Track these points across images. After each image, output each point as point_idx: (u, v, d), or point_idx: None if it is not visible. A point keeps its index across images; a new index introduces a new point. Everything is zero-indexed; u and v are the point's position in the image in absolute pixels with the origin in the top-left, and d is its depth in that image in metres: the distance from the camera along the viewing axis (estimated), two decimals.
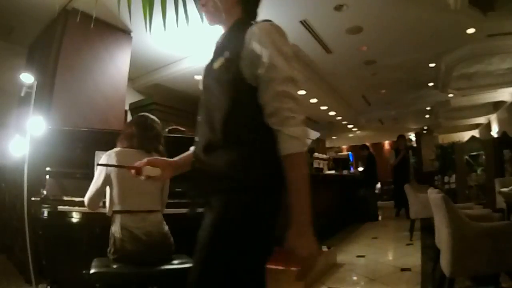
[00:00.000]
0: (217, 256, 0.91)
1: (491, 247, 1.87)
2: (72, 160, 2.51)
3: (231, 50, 0.97)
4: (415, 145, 12.00)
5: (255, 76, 0.93)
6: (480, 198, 6.45)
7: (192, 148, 1.17)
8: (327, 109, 9.37)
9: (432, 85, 7.90)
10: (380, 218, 7.11)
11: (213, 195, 0.97)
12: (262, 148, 0.93)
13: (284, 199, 0.98)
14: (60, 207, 2.23)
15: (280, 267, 2.86)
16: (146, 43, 4.85)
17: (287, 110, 0.91)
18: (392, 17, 4.68)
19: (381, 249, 4.27)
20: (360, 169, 8.70)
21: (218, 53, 1.03)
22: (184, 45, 5.00)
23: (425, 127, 13.11)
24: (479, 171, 7.28)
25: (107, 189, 1.81)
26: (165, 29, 0.83)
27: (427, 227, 4.41)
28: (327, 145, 14.86)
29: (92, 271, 1.68)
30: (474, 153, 7.70)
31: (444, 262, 1.95)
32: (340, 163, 10.00)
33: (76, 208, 2.24)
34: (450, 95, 8.55)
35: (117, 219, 1.76)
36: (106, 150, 1.90)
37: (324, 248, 3.41)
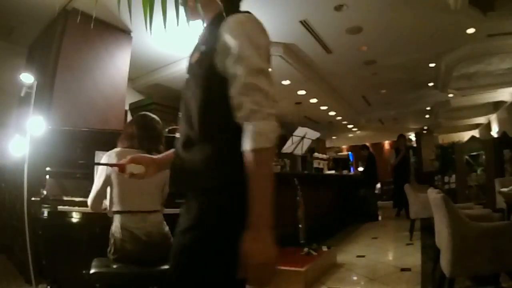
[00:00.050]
0: (191, 262, 0.87)
1: (491, 247, 1.87)
2: (72, 160, 2.51)
3: (207, 44, 0.96)
4: (415, 145, 12.00)
5: (226, 68, 0.90)
6: (480, 198, 6.45)
7: None
8: (327, 109, 9.38)
9: (432, 85, 7.90)
10: (380, 218, 7.11)
11: (189, 193, 0.95)
12: (237, 145, 0.86)
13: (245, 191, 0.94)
14: (60, 207, 2.23)
15: (280, 267, 2.87)
16: (146, 43, 4.85)
17: (253, 103, 0.84)
18: (392, 17, 4.68)
19: (381, 249, 4.27)
20: (360, 169, 8.71)
21: (196, 47, 1.02)
22: (184, 45, 5.00)
23: (425, 127, 13.11)
24: (479, 171, 7.28)
25: (108, 189, 1.81)
26: (165, 29, 0.83)
27: (427, 227, 4.42)
28: (327, 145, 14.88)
29: (92, 271, 1.68)
30: (474, 153, 7.70)
31: (444, 262, 1.95)
32: (340, 163, 10.01)
33: (76, 208, 2.25)
34: (450, 95, 8.55)
35: (117, 219, 1.76)
36: (106, 150, 1.90)
37: (324, 248, 3.41)
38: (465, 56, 6.04)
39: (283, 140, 4.60)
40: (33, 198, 2.35)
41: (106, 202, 1.85)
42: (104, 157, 1.85)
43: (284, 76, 6.56)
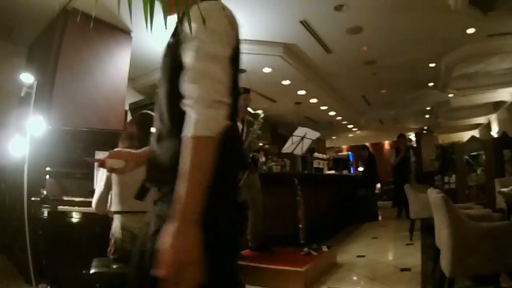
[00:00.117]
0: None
1: (491, 247, 1.87)
2: (72, 160, 2.51)
3: (173, 35, 0.95)
4: (415, 145, 12.01)
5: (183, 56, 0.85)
6: (480, 198, 6.45)
7: None
8: (327, 109, 9.38)
9: (432, 85, 7.91)
10: (380, 218, 7.11)
11: (160, 187, 0.92)
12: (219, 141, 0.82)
13: (234, 197, 0.92)
14: (60, 207, 2.24)
15: (280, 267, 2.87)
16: (146, 43, 4.85)
17: (199, 89, 0.80)
18: (392, 17, 4.68)
19: (381, 249, 4.27)
20: (360, 169, 8.71)
21: (168, 41, 1.01)
22: None
23: (425, 127, 13.12)
24: (479, 171, 7.28)
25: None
26: (166, 29, 0.82)
27: (427, 227, 4.41)
28: (327, 145, 14.89)
29: (92, 271, 1.68)
30: (474, 153, 7.70)
31: (444, 262, 1.95)
32: (340, 163, 10.02)
33: (76, 208, 2.25)
34: (450, 95, 8.55)
35: (118, 219, 1.76)
36: (106, 150, 1.88)
37: (324, 248, 3.41)
38: (465, 56, 6.04)
39: (283, 140, 4.60)
40: (33, 198, 2.35)
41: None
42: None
43: (284, 76, 6.57)
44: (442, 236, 2.01)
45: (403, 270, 3.12)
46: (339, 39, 5.30)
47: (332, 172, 7.78)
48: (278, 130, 10.77)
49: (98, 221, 2.05)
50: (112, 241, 1.74)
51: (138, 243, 0.95)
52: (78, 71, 4.00)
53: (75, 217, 2.26)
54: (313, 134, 3.97)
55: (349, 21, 4.79)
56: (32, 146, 2.58)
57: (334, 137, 14.42)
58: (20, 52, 4.86)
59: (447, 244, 1.90)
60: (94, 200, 1.85)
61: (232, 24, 0.90)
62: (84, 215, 2.22)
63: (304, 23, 4.79)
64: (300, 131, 3.90)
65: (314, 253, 3.23)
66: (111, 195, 1.80)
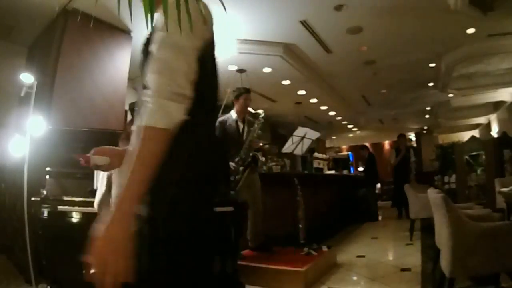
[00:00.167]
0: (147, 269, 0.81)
1: (491, 247, 1.87)
2: (72, 160, 2.51)
3: (149, 32, 0.93)
4: (415, 145, 12.01)
5: None
6: (480, 198, 6.45)
7: None
8: (327, 109, 9.38)
9: (432, 85, 7.91)
10: (380, 218, 7.11)
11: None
12: (185, 137, 0.81)
13: (211, 193, 0.91)
14: (60, 207, 2.23)
15: (280, 267, 2.87)
16: None
17: (157, 79, 0.78)
18: (392, 17, 4.68)
19: (381, 249, 4.27)
20: (360, 169, 8.71)
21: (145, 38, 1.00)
22: None
23: (425, 127, 13.12)
24: (479, 171, 7.28)
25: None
26: (167, 29, 0.82)
27: (427, 227, 4.41)
28: (327, 145, 14.89)
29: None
30: (474, 153, 7.69)
31: (444, 262, 1.95)
32: (340, 163, 10.04)
33: (76, 208, 2.25)
34: (450, 95, 8.55)
35: None
36: None
37: (324, 248, 3.41)
38: (465, 56, 6.04)
39: (283, 140, 4.60)
40: (33, 198, 2.35)
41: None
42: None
43: (284, 76, 6.57)
44: (442, 236, 2.01)
45: (403, 270, 3.12)
46: (339, 39, 5.30)
47: (332, 172, 7.79)
48: (278, 130, 10.77)
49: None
50: None
51: None
52: (78, 71, 4.00)
53: (75, 217, 2.26)
54: (313, 134, 3.97)
55: (349, 21, 4.79)
56: (32, 146, 2.58)
57: (334, 137, 14.43)
58: (20, 52, 4.86)
59: (447, 244, 1.90)
60: (96, 200, 1.85)
61: (204, 16, 0.87)
62: (84, 215, 2.22)
63: (304, 23, 4.79)
64: (300, 131, 3.90)
65: (314, 253, 3.23)
66: (112, 195, 1.80)
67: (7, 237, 3.63)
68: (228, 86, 5.99)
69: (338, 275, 3.13)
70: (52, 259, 2.34)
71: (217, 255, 2.41)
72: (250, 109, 3.56)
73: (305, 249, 3.26)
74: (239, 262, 2.79)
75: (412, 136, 13.47)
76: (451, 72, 6.67)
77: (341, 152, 15.25)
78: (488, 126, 11.18)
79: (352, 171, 10.90)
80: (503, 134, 6.97)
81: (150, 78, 0.80)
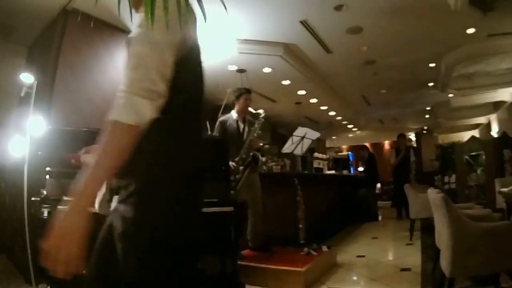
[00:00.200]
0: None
1: (491, 247, 1.87)
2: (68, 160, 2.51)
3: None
4: (415, 145, 12.01)
5: None
6: (480, 198, 6.45)
7: None
8: (327, 109, 9.38)
9: (432, 85, 7.91)
10: (380, 218, 7.11)
11: (125, 186, 0.90)
12: (149, 137, 0.81)
13: (195, 193, 0.90)
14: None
15: (280, 267, 2.87)
16: None
17: (130, 74, 0.78)
18: (392, 17, 4.67)
19: (381, 249, 4.27)
20: (360, 169, 8.70)
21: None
22: None
23: (425, 127, 13.12)
24: (479, 171, 7.28)
25: None
26: (167, 29, 0.82)
27: (427, 227, 4.42)
28: (327, 145, 14.89)
29: None
30: (474, 153, 7.70)
31: (444, 262, 1.95)
32: (340, 163, 10.03)
33: None
34: (450, 95, 8.55)
35: None
36: None
37: (324, 248, 3.41)
38: (465, 56, 6.04)
39: (283, 140, 4.60)
40: (33, 198, 2.35)
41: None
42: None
43: (284, 76, 6.57)
44: (442, 236, 2.01)
45: (403, 270, 3.12)
46: (339, 39, 5.30)
47: (332, 172, 7.79)
48: (278, 130, 10.77)
49: (98, 221, 2.05)
50: None
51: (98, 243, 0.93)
52: (78, 71, 4.00)
53: None
54: (313, 134, 3.97)
55: (349, 21, 4.79)
56: (32, 146, 2.58)
57: (334, 137, 14.42)
58: (20, 52, 4.86)
59: (447, 244, 1.90)
60: (97, 201, 1.85)
61: (185, 15, 0.85)
62: None
63: (304, 23, 4.79)
64: (300, 131, 3.90)
65: (314, 253, 3.24)
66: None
67: (7, 237, 3.63)
68: (228, 86, 6.00)
69: (338, 275, 3.14)
70: None
71: (216, 255, 2.41)
72: (250, 109, 3.57)
73: (305, 249, 3.27)
74: (239, 262, 2.79)
75: (412, 136, 13.47)
76: (451, 72, 6.66)
77: (341, 152, 15.25)
78: (488, 126, 11.18)
79: (352, 171, 10.90)
80: (503, 134, 6.97)
81: (125, 73, 0.79)
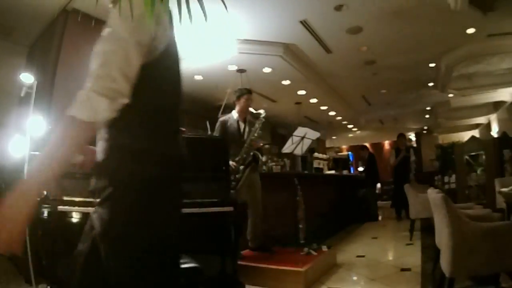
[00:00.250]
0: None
1: (491, 247, 1.87)
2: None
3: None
4: (415, 145, 12.01)
5: None
6: (480, 198, 6.44)
7: None
8: (327, 109, 9.38)
9: (432, 85, 7.91)
10: (380, 218, 7.11)
11: (104, 188, 0.89)
12: (122, 137, 0.82)
13: (173, 195, 0.91)
14: (60, 207, 2.23)
15: (280, 267, 2.87)
16: None
17: (93, 71, 0.80)
18: (392, 17, 4.67)
19: (381, 249, 4.27)
20: (360, 169, 8.70)
21: None
22: (184, 45, 5.00)
23: (425, 127, 13.12)
24: (479, 171, 7.27)
25: None
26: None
27: (427, 227, 4.42)
28: (327, 145, 14.89)
29: None
30: (474, 153, 7.69)
31: (444, 262, 1.95)
32: (340, 163, 10.04)
33: (76, 208, 2.24)
34: (450, 95, 8.55)
35: None
36: None
37: (324, 248, 3.41)
38: (465, 56, 6.04)
39: (283, 140, 4.60)
40: None
41: None
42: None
43: (284, 76, 6.57)
44: (442, 236, 2.01)
45: (403, 270, 3.12)
46: (339, 39, 5.30)
47: (332, 172, 7.79)
48: (278, 130, 10.77)
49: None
50: None
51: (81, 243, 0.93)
52: (78, 71, 3.97)
53: (75, 217, 2.25)
54: (313, 134, 3.97)
55: (349, 21, 4.79)
56: (32, 146, 2.58)
57: (334, 137, 14.42)
58: (20, 52, 4.86)
59: (447, 244, 1.90)
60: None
61: (157, 15, 0.84)
62: (84, 215, 2.22)
63: (304, 23, 4.79)
64: (300, 131, 3.90)
65: (314, 253, 3.24)
66: None
67: None
68: (228, 86, 6.01)
69: (338, 275, 3.14)
70: (52, 259, 2.34)
71: (216, 255, 2.41)
72: (251, 109, 3.57)
73: (305, 249, 3.27)
74: (239, 262, 2.79)
75: (412, 136, 13.46)
76: (451, 72, 6.66)
77: (341, 152, 15.25)
78: (488, 126, 11.17)
79: (352, 171, 10.91)
80: (503, 134, 6.96)
81: (90, 70, 0.81)
